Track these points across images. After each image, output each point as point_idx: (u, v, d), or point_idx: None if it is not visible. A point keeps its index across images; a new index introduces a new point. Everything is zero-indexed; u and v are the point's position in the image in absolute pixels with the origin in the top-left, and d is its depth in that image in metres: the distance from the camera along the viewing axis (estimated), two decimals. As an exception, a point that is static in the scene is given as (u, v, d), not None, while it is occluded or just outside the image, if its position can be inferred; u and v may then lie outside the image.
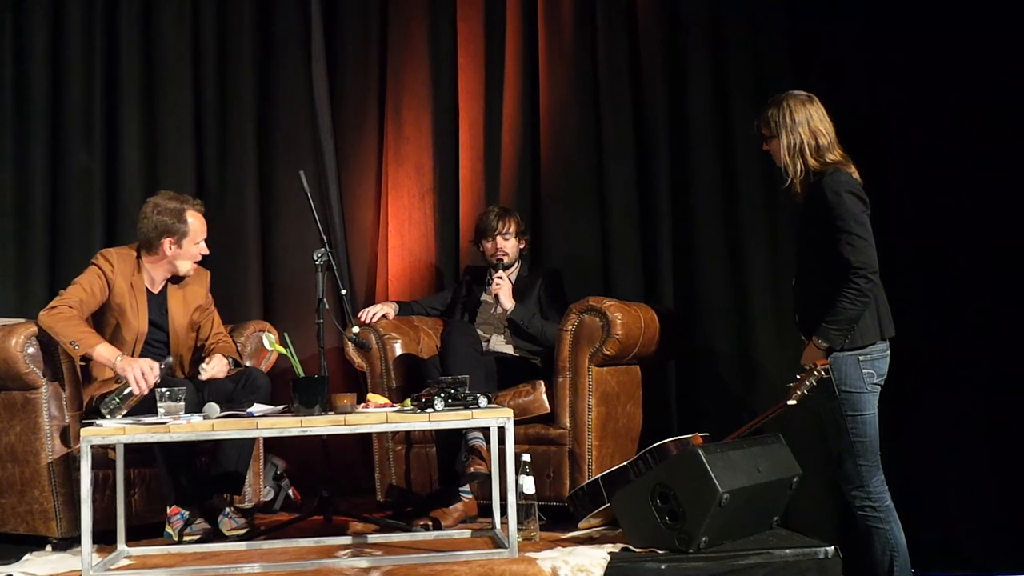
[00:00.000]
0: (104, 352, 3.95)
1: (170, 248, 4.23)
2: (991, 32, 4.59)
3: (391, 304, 4.84)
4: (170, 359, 4.10)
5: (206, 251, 4.34)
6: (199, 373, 4.14)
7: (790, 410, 3.52)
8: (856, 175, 3.60)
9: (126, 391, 3.84)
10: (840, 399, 3.52)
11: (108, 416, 3.78)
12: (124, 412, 3.81)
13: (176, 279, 4.34)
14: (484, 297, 4.79)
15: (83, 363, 4.04)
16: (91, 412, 4.07)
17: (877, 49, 4.79)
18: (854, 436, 3.53)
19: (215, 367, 4.17)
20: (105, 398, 3.84)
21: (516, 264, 4.86)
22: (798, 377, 3.51)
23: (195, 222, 4.27)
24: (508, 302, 4.62)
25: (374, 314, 4.71)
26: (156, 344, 4.24)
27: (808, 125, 3.60)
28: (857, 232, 3.47)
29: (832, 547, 3.52)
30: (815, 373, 3.48)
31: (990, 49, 4.60)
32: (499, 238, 4.78)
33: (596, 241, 5.16)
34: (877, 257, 3.49)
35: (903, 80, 4.74)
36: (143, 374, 3.86)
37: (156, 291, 4.29)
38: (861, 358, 3.51)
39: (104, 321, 4.14)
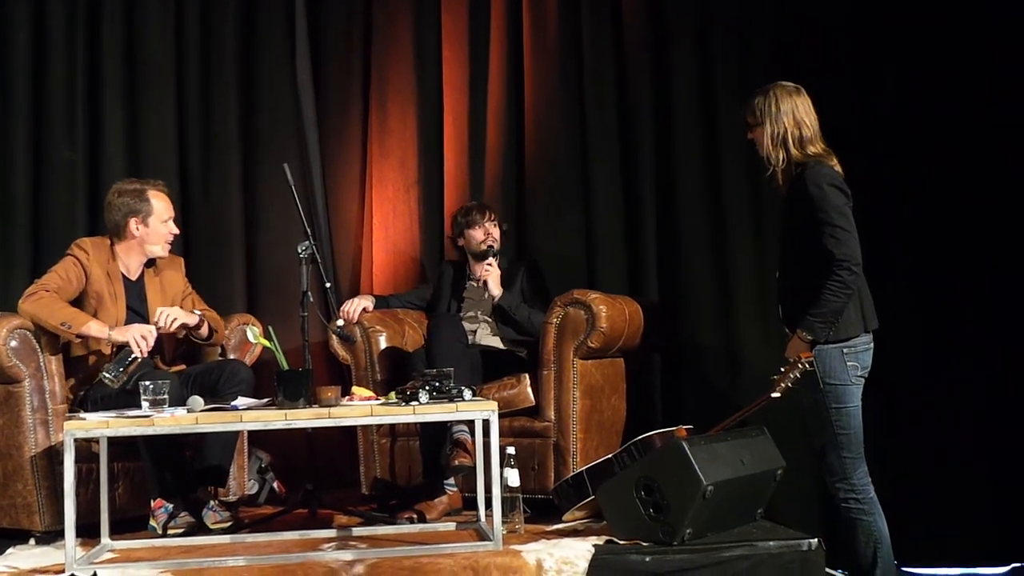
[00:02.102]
0: (96, 327, 4.01)
1: (137, 228, 4.25)
2: (981, 27, 4.62)
3: (368, 297, 4.82)
4: (163, 318, 4.10)
5: (176, 230, 4.38)
6: (157, 321, 4.10)
7: (774, 403, 3.53)
8: (838, 168, 3.62)
9: (129, 357, 3.88)
10: (824, 392, 3.53)
11: (112, 384, 3.81)
12: (126, 379, 3.85)
13: (151, 263, 4.35)
14: (471, 283, 4.79)
15: (78, 339, 4.04)
16: (75, 405, 4.06)
17: (866, 44, 4.81)
18: (838, 428, 3.54)
19: (175, 312, 4.16)
20: (105, 368, 3.85)
21: (497, 255, 4.86)
22: (782, 370, 3.53)
23: (158, 201, 4.31)
24: (496, 289, 4.64)
25: (354, 310, 4.69)
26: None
27: (793, 115, 3.62)
28: (840, 224, 3.49)
29: (815, 539, 3.54)
30: (799, 366, 3.49)
31: (981, 45, 4.63)
32: (488, 224, 4.81)
33: (581, 234, 5.16)
34: (862, 250, 3.51)
35: (892, 75, 4.77)
36: (143, 337, 3.95)
37: (134, 279, 4.30)
38: (845, 351, 3.53)
39: (83, 309, 4.13)
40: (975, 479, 4.57)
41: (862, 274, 3.53)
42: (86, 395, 4.10)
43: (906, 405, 4.63)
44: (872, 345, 3.60)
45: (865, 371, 3.58)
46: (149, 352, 4.02)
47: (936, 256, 4.68)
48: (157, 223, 4.29)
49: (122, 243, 4.29)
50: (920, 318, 4.65)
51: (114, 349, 4.06)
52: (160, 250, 4.32)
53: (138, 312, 4.26)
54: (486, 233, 4.81)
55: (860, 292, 3.55)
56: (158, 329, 4.08)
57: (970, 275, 4.64)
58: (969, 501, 4.56)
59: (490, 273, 4.67)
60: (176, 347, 4.43)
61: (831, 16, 4.85)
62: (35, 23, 5.19)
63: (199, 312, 4.30)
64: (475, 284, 4.79)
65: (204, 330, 4.29)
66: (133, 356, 3.90)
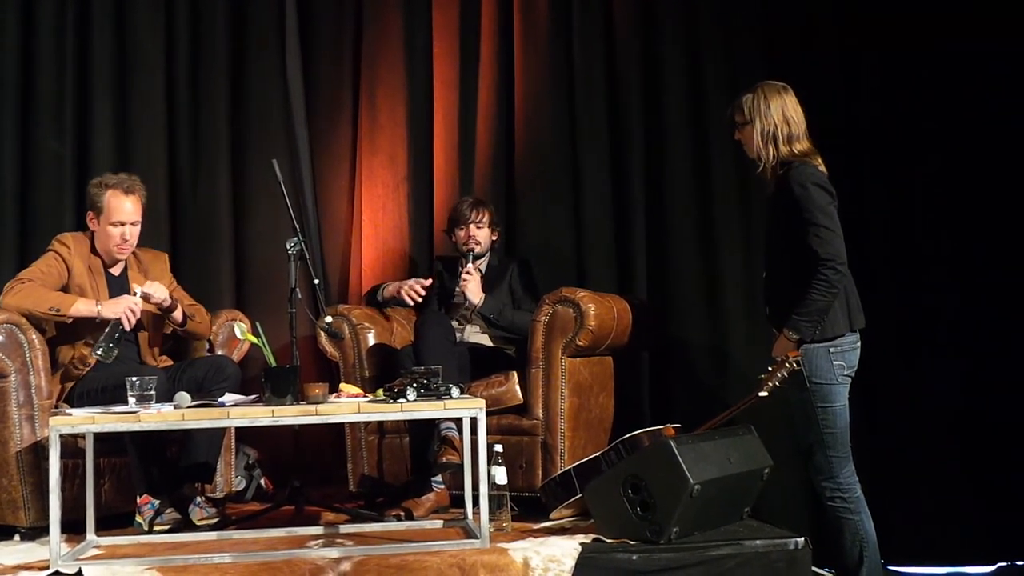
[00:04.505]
0: (83, 306, 4.03)
1: (92, 223, 4.27)
2: (970, 26, 4.63)
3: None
4: (139, 289, 4.10)
5: (128, 236, 4.26)
6: (132, 289, 4.13)
7: (762, 402, 3.54)
8: (822, 167, 3.63)
9: (118, 331, 3.89)
10: (811, 391, 3.54)
11: (105, 359, 3.83)
12: (115, 352, 3.87)
13: (134, 256, 4.36)
14: (457, 290, 4.78)
15: (68, 320, 4.03)
16: (61, 400, 4.05)
17: (853, 42, 4.83)
18: (824, 427, 3.55)
19: (153, 285, 4.16)
20: (96, 346, 3.85)
21: (486, 255, 4.86)
22: (770, 369, 3.53)
23: (114, 200, 4.23)
24: (476, 297, 4.63)
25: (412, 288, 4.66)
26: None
27: (782, 112, 3.63)
28: (824, 224, 3.49)
29: (802, 538, 3.54)
30: (787, 365, 3.50)
31: (969, 43, 4.64)
32: (472, 226, 4.79)
33: (570, 232, 5.17)
34: (847, 249, 3.52)
35: (879, 74, 4.78)
36: (131, 310, 3.98)
37: (116, 274, 4.29)
38: (832, 350, 3.53)
39: None
40: (961, 478, 4.60)
41: (848, 273, 3.54)
42: (72, 390, 4.08)
43: (892, 404, 4.65)
44: (859, 344, 3.61)
45: (852, 370, 3.59)
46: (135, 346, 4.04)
47: (922, 255, 4.70)
48: (106, 224, 4.24)
49: (95, 238, 4.29)
50: (906, 317, 4.66)
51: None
52: (111, 251, 4.26)
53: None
54: (468, 235, 4.79)
55: (846, 291, 3.56)
56: (144, 298, 4.10)
57: (956, 274, 4.66)
58: (955, 500, 4.58)
59: (467, 283, 4.65)
60: (163, 342, 4.41)
61: (818, 14, 4.86)
62: (24, 16, 5.16)
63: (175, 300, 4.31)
64: (458, 291, 4.75)
65: (178, 314, 4.28)
66: (121, 328, 3.92)
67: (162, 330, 4.37)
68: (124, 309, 3.98)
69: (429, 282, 4.72)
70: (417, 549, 3.48)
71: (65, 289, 4.15)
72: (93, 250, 4.27)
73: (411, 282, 4.71)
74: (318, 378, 4.59)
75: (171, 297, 4.25)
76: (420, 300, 4.68)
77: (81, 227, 4.82)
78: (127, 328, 3.97)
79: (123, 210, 4.23)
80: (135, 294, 4.08)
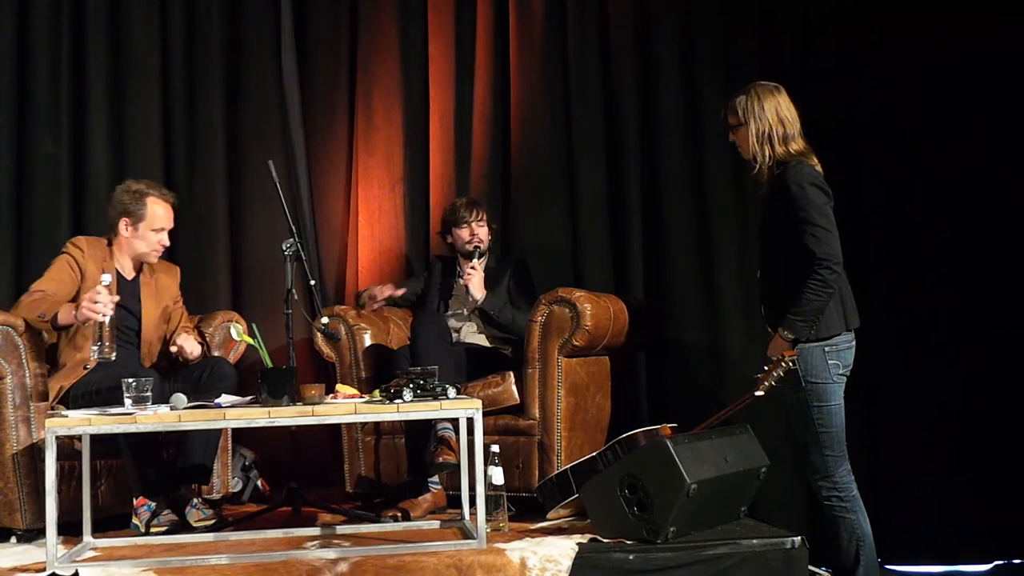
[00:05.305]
0: (63, 313, 3.93)
1: (126, 229, 4.26)
2: (968, 27, 4.63)
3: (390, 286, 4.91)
4: (108, 276, 3.90)
5: (167, 242, 4.36)
6: (170, 344, 4.21)
7: (758, 401, 3.54)
8: (818, 167, 3.63)
9: (99, 331, 3.78)
10: (806, 390, 3.54)
11: (107, 359, 3.76)
12: (110, 344, 3.77)
13: (145, 267, 4.35)
14: (458, 281, 4.79)
15: (57, 330, 4.01)
16: (57, 402, 4.04)
17: (849, 42, 4.83)
18: (820, 427, 3.55)
19: (187, 342, 4.21)
20: (94, 350, 3.80)
21: (486, 255, 4.86)
22: (766, 368, 3.53)
23: (156, 209, 4.29)
24: (478, 292, 4.64)
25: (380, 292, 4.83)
26: (127, 331, 4.24)
27: (776, 112, 3.64)
28: (820, 223, 3.49)
29: (799, 537, 3.54)
30: (782, 364, 3.50)
31: (962, 47, 4.64)
32: (474, 224, 4.80)
33: (566, 232, 5.17)
34: (844, 248, 3.52)
35: (875, 72, 4.78)
36: (93, 302, 3.72)
37: (129, 278, 4.30)
38: (827, 349, 3.53)
39: None
40: (958, 477, 4.59)
41: (843, 273, 3.54)
42: (69, 392, 4.07)
43: (888, 403, 4.64)
44: (854, 343, 3.61)
45: (847, 369, 3.59)
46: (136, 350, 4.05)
47: (922, 255, 4.70)
48: (147, 230, 4.28)
49: (116, 242, 4.29)
50: (906, 318, 4.66)
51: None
52: (146, 250, 4.31)
53: (131, 311, 4.25)
54: (471, 233, 4.80)
55: (841, 291, 3.56)
56: (177, 350, 4.19)
57: (956, 274, 4.65)
58: (952, 499, 4.58)
59: (471, 278, 4.66)
60: (162, 348, 4.40)
61: (816, 13, 4.87)
62: (19, 17, 5.16)
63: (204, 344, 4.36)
64: (460, 282, 4.77)
65: (201, 354, 4.32)
66: (100, 325, 3.74)
67: (162, 334, 4.37)
68: (89, 308, 3.73)
69: (400, 292, 4.85)
70: (414, 550, 3.48)
71: (79, 292, 4.12)
72: (109, 254, 4.27)
73: (378, 288, 4.81)
74: (315, 379, 4.60)
75: (202, 348, 4.31)
76: (376, 305, 4.80)
77: (78, 229, 4.83)
78: (100, 320, 3.72)
79: (164, 217, 4.32)
80: (102, 283, 4.00)
